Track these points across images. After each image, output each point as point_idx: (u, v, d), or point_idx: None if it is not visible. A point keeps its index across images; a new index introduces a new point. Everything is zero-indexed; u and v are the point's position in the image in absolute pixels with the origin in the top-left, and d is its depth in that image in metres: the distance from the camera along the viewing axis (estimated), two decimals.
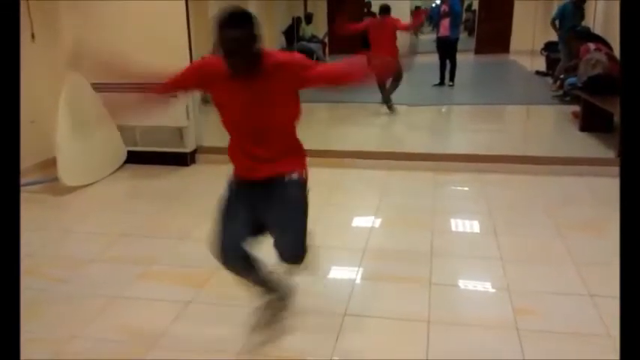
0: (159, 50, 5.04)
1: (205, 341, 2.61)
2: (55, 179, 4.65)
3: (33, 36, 5.17)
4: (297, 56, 2.44)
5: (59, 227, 4.09)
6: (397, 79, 7.51)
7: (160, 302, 2.97)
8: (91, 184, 4.85)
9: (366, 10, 13.55)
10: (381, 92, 7.61)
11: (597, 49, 6.62)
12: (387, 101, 7.65)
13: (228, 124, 2.42)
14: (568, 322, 2.69)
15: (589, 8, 10.07)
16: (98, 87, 5.08)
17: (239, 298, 2.77)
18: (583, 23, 9.14)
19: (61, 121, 4.63)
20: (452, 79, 9.63)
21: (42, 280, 3.24)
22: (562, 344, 2.53)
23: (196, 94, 5.56)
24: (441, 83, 9.61)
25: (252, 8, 9.44)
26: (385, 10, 7.66)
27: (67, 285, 3.19)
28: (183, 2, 5.24)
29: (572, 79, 7.00)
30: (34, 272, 3.33)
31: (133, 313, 2.88)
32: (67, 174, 4.62)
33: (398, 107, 7.79)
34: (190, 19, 5.31)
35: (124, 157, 5.35)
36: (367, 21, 8.20)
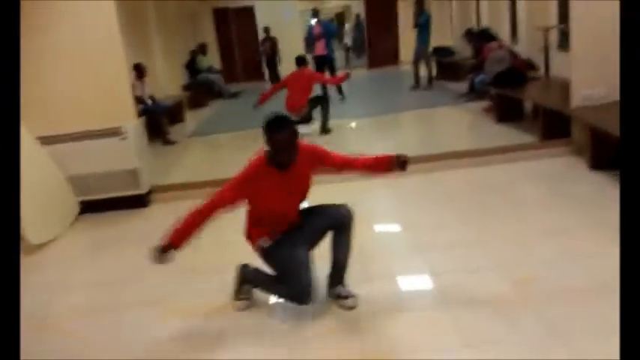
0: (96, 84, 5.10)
1: None
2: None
3: None
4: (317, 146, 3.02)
5: (43, 287, 3.95)
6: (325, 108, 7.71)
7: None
8: (52, 240, 4.67)
9: (265, 35, 13.86)
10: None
11: (500, 47, 7.39)
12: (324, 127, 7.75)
13: (265, 210, 2.89)
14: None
15: (470, 8, 11.10)
16: (46, 140, 4.96)
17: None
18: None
19: None
20: (340, 92, 10.48)
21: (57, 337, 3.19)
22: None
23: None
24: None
25: (156, 45, 9.27)
26: (302, 61, 7.93)
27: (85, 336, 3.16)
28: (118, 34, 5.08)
29: (481, 77, 7.67)
30: (46, 329, 3.28)
31: None
32: (31, 232, 4.45)
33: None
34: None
35: (76, 207, 5.20)
36: (286, 77, 8.15)
